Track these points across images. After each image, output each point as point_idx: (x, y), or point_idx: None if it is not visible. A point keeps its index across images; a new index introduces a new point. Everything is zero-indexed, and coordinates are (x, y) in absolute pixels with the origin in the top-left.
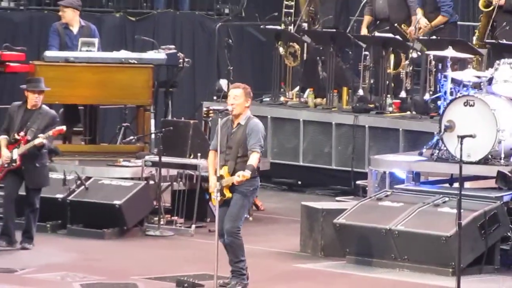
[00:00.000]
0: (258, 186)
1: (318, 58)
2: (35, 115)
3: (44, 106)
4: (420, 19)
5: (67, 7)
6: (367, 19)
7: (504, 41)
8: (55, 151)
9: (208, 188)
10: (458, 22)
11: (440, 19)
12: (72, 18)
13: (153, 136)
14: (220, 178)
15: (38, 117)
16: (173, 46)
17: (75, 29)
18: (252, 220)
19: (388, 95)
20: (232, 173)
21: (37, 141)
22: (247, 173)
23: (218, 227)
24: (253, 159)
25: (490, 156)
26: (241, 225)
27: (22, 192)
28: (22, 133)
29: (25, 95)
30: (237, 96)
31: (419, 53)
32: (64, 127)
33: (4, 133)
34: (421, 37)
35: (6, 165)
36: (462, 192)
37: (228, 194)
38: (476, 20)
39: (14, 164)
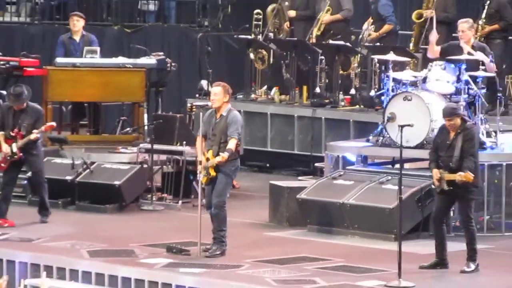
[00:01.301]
0: (239, 167)
1: (282, 62)
2: (24, 113)
3: (30, 103)
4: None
5: (81, 18)
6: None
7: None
8: (65, 140)
9: (192, 171)
10: (399, 32)
11: (386, 27)
12: (81, 27)
13: (146, 127)
14: (207, 160)
15: (27, 114)
16: (162, 53)
17: (78, 38)
18: (229, 197)
19: (340, 92)
20: (217, 155)
21: (32, 136)
22: (225, 155)
23: (206, 200)
24: (231, 144)
25: (425, 142)
26: (226, 199)
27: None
28: (16, 130)
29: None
30: (217, 93)
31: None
32: (54, 123)
33: (0, 130)
34: (367, 44)
35: (8, 158)
36: (402, 172)
37: (212, 173)
38: (413, 30)
39: (15, 157)
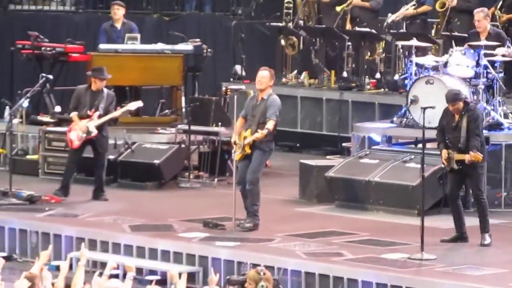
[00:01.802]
0: (273, 148)
1: (311, 48)
2: (100, 95)
3: (104, 88)
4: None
5: (122, 6)
6: None
7: (456, 33)
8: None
9: (227, 150)
10: (430, 19)
11: (425, 7)
12: (122, 15)
13: (183, 110)
14: (244, 138)
15: (103, 96)
16: (198, 40)
17: (119, 25)
18: (262, 175)
19: (366, 76)
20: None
21: (116, 114)
22: (265, 131)
23: (238, 176)
24: (270, 124)
25: None
26: (259, 176)
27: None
28: (93, 110)
29: (91, 81)
30: (264, 76)
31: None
32: (140, 103)
33: (73, 110)
34: (391, 31)
35: (84, 135)
36: (425, 151)
37: (248, 150)
38: (434, 17)
39: (92, 134)
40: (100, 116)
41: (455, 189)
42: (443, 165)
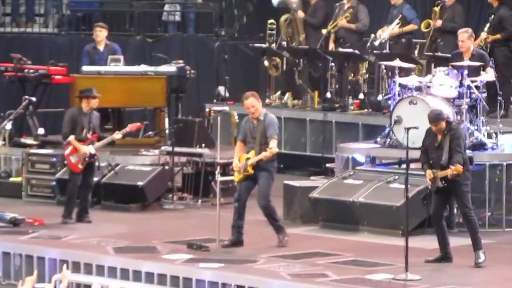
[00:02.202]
0: (276, 167)
1: (295, 69)
2: (92, 116)
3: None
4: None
5: (104, 28)
6: None
7: (439, 54)
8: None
9: (211, 172)
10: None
11: (411, 26)
12: (104, 37)
13: (167, 131)
14: (247, 159)
15: (93, 117)
16: (181, 61)
17: (101, 47)
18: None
19: (350, 97)
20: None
21: (117, 136)
22: (274, 150)
23: (237, 194)
24: (274, 143)
25: None
26: (270, 197)
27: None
28: (90, 132)
29: (80, 103)
30: (253, 104)
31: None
32: (139, 123)
33: (70, 133)
34: (375, 52)
35: (87, 159)
36: (409, 172)
37: (251, 171)
38: (417, 38)
39: (95, 157)
40: (98, 138)
41: (439, 209)
42: (429, 186)
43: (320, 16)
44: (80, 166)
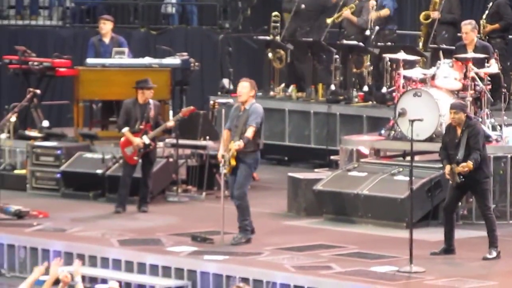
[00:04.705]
0: (259, 159)
1: (298, 61)
2: (147, 107)
3: (150, 99)
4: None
5: (109, 21)
6: None
7: (443, 46)
8: (95, 136)
9: (215, 164)
10: (408, 32)
11: (385, 11)
12: (109, 29)
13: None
14: (229, 150)
15: (150, 108)
16: (185, 54)
17: (107, 40)
18: (249, 188)
19: (354, 89)
20: None
21: (169, 124)
22: (241, 142)
23: (230, 190)
24: (249, 132)
25: (434, 135)
26: (246, 190)
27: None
28: (143, 123)
29: (137, 93)
30: (245, 86)
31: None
32: (192, 107)
33: (124, 125)
34: (379, 44)
35: (142, 150)
36: (413, 164)
37: (233, 163)
38: (417, 29)
39: (151, 147)
40: (151, 128)
41: (453, 202)
42: (450, 182)
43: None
44: (135, 158)
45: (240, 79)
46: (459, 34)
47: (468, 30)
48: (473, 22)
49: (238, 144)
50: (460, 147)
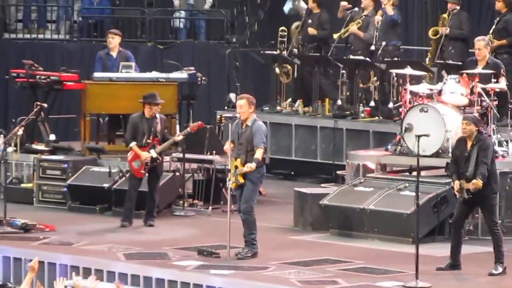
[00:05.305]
0: (264, 173)
1: (305, 76)
2: (154, 121)
3: (156, 113)
4: None
5: (117, 35)
6: None
7: (450, 61)
8: (102, 150)
9: (221, 178)
10: (414, 47)
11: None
12: (117, 44)
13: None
14: (235, 168)
15: (157, 122)
16: (193, 68)
17: (114, 54)
18: (256, 203)
19: (361, 104)
20: (244, 164)
21: (178, 138)
22: (253, 165)
23: (237, 205)
24: (258, 153)
25: (440, 151)
26: (253, 205)
27: None
28: (151, 137)
29: (144, 107)
30: (242, 105)
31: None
32: (200, 122)
33: (132, 140)
34: (386, 59)
35: (149, 164)
36: (419, 179)
37: (241, 180)
38: (428, 45)
39: (158, 161)
40: (159, 142)
41: (461, 217)
42: (457, 197)
43: (328, 28)
44: (142, 171)
45: (248, 94)
46: (470, 50)
47: (481, 46)
48: (486, 38)
49: (250, 166)
50: (470, 162)
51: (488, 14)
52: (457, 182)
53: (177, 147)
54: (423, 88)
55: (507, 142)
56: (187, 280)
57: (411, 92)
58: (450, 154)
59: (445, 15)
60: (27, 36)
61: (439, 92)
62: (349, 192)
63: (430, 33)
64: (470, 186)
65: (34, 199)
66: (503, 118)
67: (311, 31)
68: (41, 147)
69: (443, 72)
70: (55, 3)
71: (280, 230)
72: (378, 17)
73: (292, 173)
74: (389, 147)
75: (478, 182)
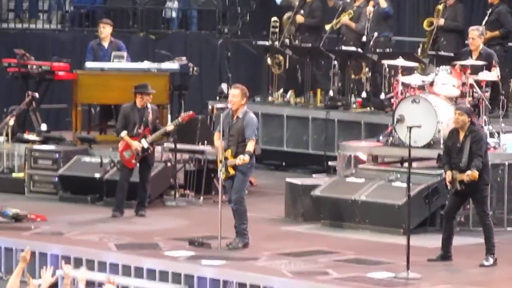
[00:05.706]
0: (254, 164)
1: (297, 66)
2: (146, 111)
3: (148, 103)
4: None
5: (108, 24)
6: None
7: (442, 53)
8: (94, 140)
9: (213, 169)
10: (407, 38)
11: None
12: (108, 33)
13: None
14: (226, 159)
15: (148, 112)
16: (184, 58)
17: (106, 44)
18: (247, 193)
19: (352, 95)
20: (235, 155)
21: (169, 128)
22: (246, 157)
23: (228, 195)
24: (250, 146)
25: (432, 142)
26: (244, 195)
27: None
28: (142, 127)
29: (136, 97)
30: (235, 95)
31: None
32: (192, 112)
33: (122, 129)
34: (377, 51)
35: (140, 153)
36: (411, 170)
37: (232, 172)
38: (420, 36)
39: (149, 151)
40: (150, 132)
41: (453, 209)
42: (447, 187)
43: (319, 16)
44: (133, 161)
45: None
46: (466, 42)
47: (475, 35)
48: (481, 28)
49: (243, 159)
50: (463, 153)
51: (480, 5)
52: (449, 173)
53: (168, 138)
54: (415, 79)
55: (498, 133)
56: (178, 270)
57: (403, 84)
58: (442, 145)
59: (440, 7)
60: (19, 26)
61: (431, 83)
62: (340, 183)
63: (424, 24)
64: (465, 177)
65: (26, 189)
66: (495, 109)
67: (299, 18)
68: (32, 137)
69: (430, 66)
70: None
71: (271, 221)
72: (370, 8)
73: (284, 164)
74: (380, 138)
75: (474, 173)
